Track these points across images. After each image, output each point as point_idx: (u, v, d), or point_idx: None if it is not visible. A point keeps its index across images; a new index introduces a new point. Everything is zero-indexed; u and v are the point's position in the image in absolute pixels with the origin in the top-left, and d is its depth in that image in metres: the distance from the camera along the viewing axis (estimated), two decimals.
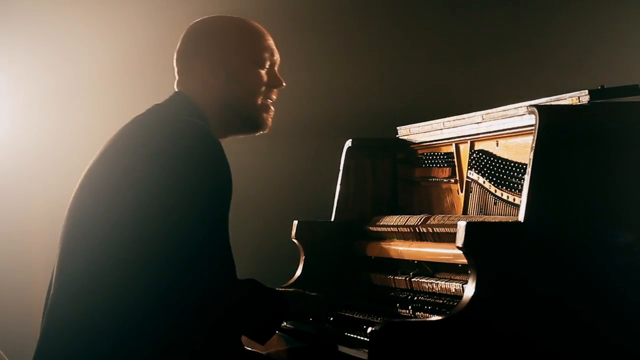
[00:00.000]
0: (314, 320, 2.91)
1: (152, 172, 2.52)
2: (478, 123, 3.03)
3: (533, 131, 2.74)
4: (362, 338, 2.63)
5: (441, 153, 3.25)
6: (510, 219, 2.79)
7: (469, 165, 3.09)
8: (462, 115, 3.12)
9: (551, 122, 2.54)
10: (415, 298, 2.98)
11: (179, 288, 2.47)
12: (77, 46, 4.75)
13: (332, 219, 3.44)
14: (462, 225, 2.50)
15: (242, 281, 2.61)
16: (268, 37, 2.85)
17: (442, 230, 2.92)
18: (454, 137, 3.16)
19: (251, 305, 2.62)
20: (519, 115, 2.84)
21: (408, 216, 3.13)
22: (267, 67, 2.83)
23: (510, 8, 4.84)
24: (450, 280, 2.85)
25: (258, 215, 4.61)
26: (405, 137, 3.43)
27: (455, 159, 3.17)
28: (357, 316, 2.94)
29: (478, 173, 3.03)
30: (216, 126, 2.76)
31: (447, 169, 3.21)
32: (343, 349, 2.68)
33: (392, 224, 3.19)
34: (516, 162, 2.85)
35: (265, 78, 2.82)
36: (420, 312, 2.93)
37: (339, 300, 3.13)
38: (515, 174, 2.85)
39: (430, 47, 4.86)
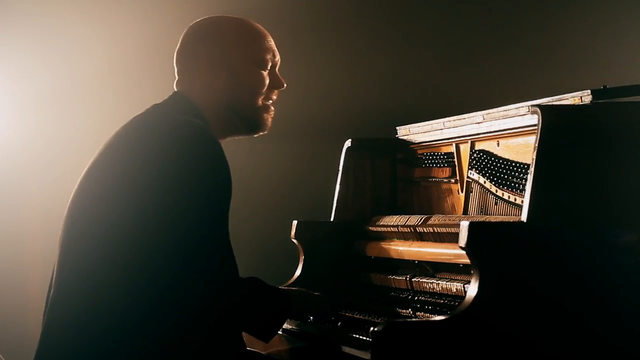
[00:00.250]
0: (316, 320, 2.91)
1: (151, 171, 2.52)
2: (479, 123, 3.03)
3: (535, 131, 2.75)
4: (364, 338, 2.63)
5: (441, 153, 3.25)
6: (512, 219, 2.80)
7: (469, 165, 3.09)
8: (463, 115, 3.12)
9: (554, 122, 2.54)
10: (416, 298, 2.97)
11: (179, 287, 2.47)
12: (73, 47, 4.74)
13: (332, 219, 3.43)
14: (464, 225, 2.50)
15: (245, 279, 2.61)
16: (269, 37, 2.85)
17: (444, 230, 2.91)
18: (455, 137, 3.16)
19: (254, 302, 2.62)
20: (520, 115, 2.84)
21: (408, 216, 3.13)
22: (268, 68, 2.82)
23: (510, 8, 4.84)
24: (451, 280, 2.84)
25: (257, 215, 4.61)
26: (405, 137, 3.43)
27: (456, 159, 3.17)
28: (358, 316, 2.94)
29: (479, 173, 3.03)
30: (215, 127, 2.76)
31: (447, 169, 3.21)
32: (345, 349, 2.67)
33: (392, 224, 3.19)
34: (517, 162, 2.85)
35: (266, 79, 2.81)
36: (421, 312, 2.93)
37: (339, 300, 3.12)
38: (517, 174, 2.85)
39: (430, 47, 4.86)
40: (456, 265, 2.85)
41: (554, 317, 2.50)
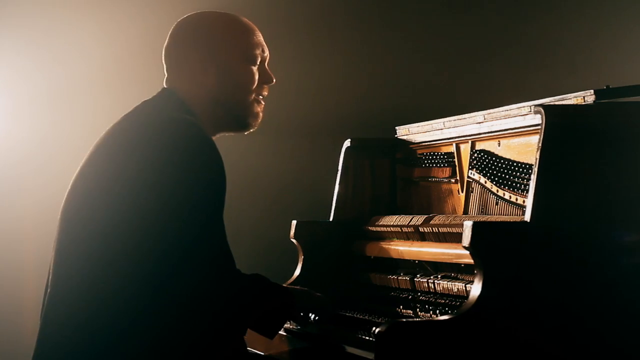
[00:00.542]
0: (317, 320, 2.90)
1: (144, 169, 2.52)
2: (479, 123, 3.03)
3: (537, 131, 2.75)
4: (367, 338, 2.63)
5: (441, 153, 3.24)
6: (512, 218, 2.80)
7: (469, 165, 3.09)
8: (463, 115, 3.12)
9: (558, 122, 2.54)
10: (417, 298, 2.97)
11: (177, 283, 2.47)
12: (65, 47, 4.73)
13: (331, 219, 3.43)
14: (468, 225, 2.50)
15: (246, 275, 2.61)
16: (258, 33, 2.83)
17: (446, 230, 2.91)
18: (455, 137, 3.16)
19: (255, 296, 2.62)
20: (522, 115, 2.84)
21: (410, 216, 3.13)
22: (257, 63, 2.81)
23: (511, 7, 4.84)
24: (453, 280, 2.84)
25: (256, 215, 4.60)
26: (405, 137, 3.43)
27: (456, 159, 3.17)
28: (359, 316, 2.93)
29: (479, 173, 3.03)
30: (205, 123, 2.74)
31: (447, 168, 3.21)
32: (347, 349, 2.68)
33: (392, 223, 3.19)
34: (519, 162, 2.85)
35: (255, 74, 2.80)
36: (422, 312, 2.93)
37: (339, 300, 3.12)
38: (518, 173, 2.85)
39: (429, 47, 4.86)
40: (457, 265, 2.85)
41: (557, 317, 2.50)
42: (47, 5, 4.70)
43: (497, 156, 2.95)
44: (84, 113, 4.69)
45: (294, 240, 3.37)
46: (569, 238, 2.52)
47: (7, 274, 4.64)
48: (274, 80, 2.85)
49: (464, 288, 2.76)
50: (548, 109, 2.55)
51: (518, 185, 2.83)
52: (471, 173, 3.08)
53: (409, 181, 3.43)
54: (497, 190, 2.92)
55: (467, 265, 2.77)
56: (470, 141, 3.10)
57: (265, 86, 2.84)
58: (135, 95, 4.45)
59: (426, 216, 3.07)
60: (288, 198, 4.67)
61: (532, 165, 2.74)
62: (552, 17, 4.81)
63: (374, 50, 4.83)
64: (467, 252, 2.56)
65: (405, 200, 3.44)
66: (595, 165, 2.55)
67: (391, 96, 4.75)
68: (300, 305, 2.80)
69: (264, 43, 2.84)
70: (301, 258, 3.36)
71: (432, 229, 2.98)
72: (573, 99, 2.69)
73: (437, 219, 3.01)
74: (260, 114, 2.84)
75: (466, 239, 2.50)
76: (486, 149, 3.02)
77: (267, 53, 2.85)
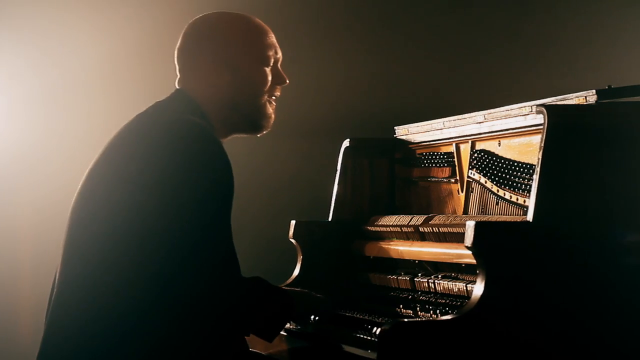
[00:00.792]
0: (317, 320, 2.90)
1: (147, 170, 2.52)
2: (480, 123, 3.03)
3: (538, 131, 2.76)
4: (369, 338, 2.63)
5: (441, 153, 3.24)
6: (513, 218, 2.80)
7: (469, 165, 3.09)
8: (464, 115, 3.12)
9: (560, 122, 2.54)
10: (417, 298, 2.97)
11: (182, 286, 2.47)
12: (64, 46, 4.71)
13: (330, 219, 3.43)
14: (470, 225, 2.50)
15: (247, 278, 2.60)
16: (271, 33, 2.83)
17: (446, 230, 2.91)
18: (455, 137, 3.16)
19: (257, 301, 2.61)
20: (523, 115, 2.84)
21: (410, 216, 3.13)
22: (271, 64, 2.81)
23: (511, 7, 4.84)
24: (453, 280, 2.84)
25: (255, 214, 4.59)
26: (404, 137, 3.43)
27: (456, 159, 3.17)
28: (359, 316, 2.93)
29: (479, 173, 3.03)
30: (218, 125, 2.75)
31: (447, 168, 3.21)
32: (348, 348, 2.67)
33: (392, 223, 3.18)
34: (520, 162, 2.85)
35: (269, 76, 2.80)
36: (422, 312, 2.93)
37: (338, 300, 3.12)
38: (519, 173, 2.85)
39: (429, 47, 4.85)
40: (457, 265, 2.85)
41: (559, 317, 2.50)
42: (43, 6, 4.68)
43: (497, 156, 2.95)
44: (79, 114, 4.67)
45: (292, 240, 3.37)
46: (571, 238, 2.52)
47: (2, 274, 4.62)
48: (287, 81, 2.85)
49: (464, 288, 2.76)
50: (550, 109, 2.55)
51: (519, 185, 2.83)
52: (471, 173, 3.08)
53: (408, 181, 3.43)
54: (498, 190, 2.92)
55: (467, 265, 2.77)
56: (470, 141, 3.10)
57: (278, 87, 2.84)
58: (134, 95, 4.47)
59: (426, 216, 3.07)
60: (287, 198, 4.66)
61: (533, 165, 2.75)
62: (553, 17, 4.80)
63: (373, 50, 4.83)
64: (468, 252, 2.56)
65: (404, 200, 3.44)
66: (597, 165, 2.55)
67: (390, 96, 4.75)
68: (300, 308, 2.79)
69: (277, 44, 2.83)
70: (300, 258, 3.35)
71: (433, 229, 2.98)
72: (575, 98, 2.70)
73: (438, 219, 3.01)
74: (273, 115, 2.83)
75: (469, 238, 2.50)
76: (486, 148, 3.02)
77: (280, 54, 2.85)
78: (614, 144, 2.57)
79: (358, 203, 3.45)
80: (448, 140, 3.20)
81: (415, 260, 3.05)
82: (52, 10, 4.67)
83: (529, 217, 2.51)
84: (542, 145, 2.53)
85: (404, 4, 4.87)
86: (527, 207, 2.75)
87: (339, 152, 3.45)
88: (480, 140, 3.06)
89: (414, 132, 3.38)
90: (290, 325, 2.98)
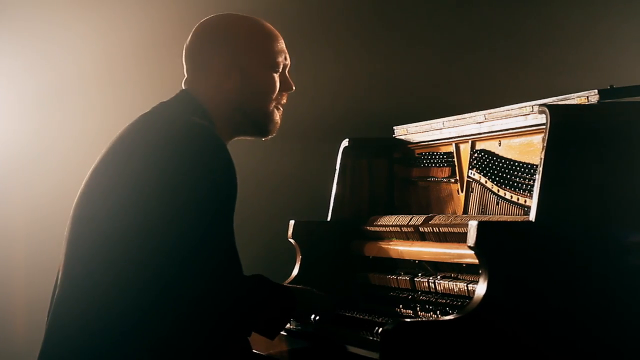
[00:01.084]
0: (318, 320, 2.90)
1: (149, 170, 2.52)
2: (480, 123, 3.03)
3: (539, 131, 2.76)
4: (371, 338, 2.62)
5: (440, 153, 3.24)
6: (514, 218, 2.80)
7: (469, 164, 3.09)
8: (463, 115, 3.12)
9: (563, 122, 2.54)
10: (417, 298, 2.97)
11: (184, 285, 2.47)
12: (61, 45, 4.70)
13: (329, 219, 3.42)
14: (473, 224, 2.49)
15: (249, 276, 2.61)
16: (281, 40, 2.83)
17: (447, 229, 2.91)
18: (455, 137, 3.16)
19: (259, 299, 2.62)
20: (523, 115, 2.84)
21: (409, 216, 3.13)
22: (279, 70, 2.81)
23: (512, 6, 4.84)
24: (454, 280, 2.84)
25: (254, 214, 4.59)
26: (403, 137, 3.43)
27: (455, 159, 3.17)
28: (358, 316, 2.93)
29: (480, 173, 3.03)
30: (223, 128, 2.74)
31: (447, 168, 3.21)
32: (350, 348, 2.67)
33: (392, 223, 3.18)
34: (520, 162, 2.85)
35: (277, 82, 2.80)
36: (422, 312, 2.93)
37: (338, 300, 3.11)
38: (520, 173, 2.85)
39: (428, 46, 4.85)
40: (457, 265, 2.85)
41: (562, 316, 2.50)
42: (40, 6, 4.67)
43: (498, 156, 2.95)
44: (74, 114, 4.66)
45: (291, 240, 3.37)
46: (573, 238, 2.52)
47: None
48: (294, 88, 2.84)
49: (465, 288, 2.77)
50: (553, 109, 2.55)
51: (520, 185, 2.83)
52: (471, 173, 3.08)
53: (407, 181, 3.42)
54: (498, 190, 2.92)
55: (468, 265, 2.77)
56: (470, 141, 3.10)
57: (285, 94, 2.84)
58: (129, 95, 4.46)
59: (426, 216, 3.06)
60: (285, 198, 4.66)
61: (534, 165, 2.75)
62: (554, 17, 4.81)
63: (373, 50, 4.83)
64: (469, 252, 2.56)
65: (403, 200, 3.44)
66: (600, 165, 2.56)
67: (389, 96, 4.75)
68: (302, 306, 2.79)
69: (286, 50, 2.83)
70: (299, 258, 3.35)
71: (433, 229, 2.98)
72: (576, 98, 2.70)
73: (438, 219, 3.00)
74: (279, 122, 2.83)
75: (471, 238, 2.49)
76: (487, 148, 3.02)
77: (288, 61, 2.84)
78: (616, 144, 2.57)
79: (357, 203, 3.45)
80: (448, 140, 3.20)
81: (415, 260, 3.05)
82: (48, 10, 4.66)
83: (532, 216, 2.51)
84: (545, 145, 2.53)
85: (403, 3, 4.87)
86: (528, 207, 2.76)
87: (338, 152, 3.45)
88: (481, 140, 3.06)
89: (413, 132, 3.38)
90: (291, 325, 2.98)
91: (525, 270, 2.49)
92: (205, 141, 2.55)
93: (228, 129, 2.76)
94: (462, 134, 3.12)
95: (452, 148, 3.18)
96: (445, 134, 3.20)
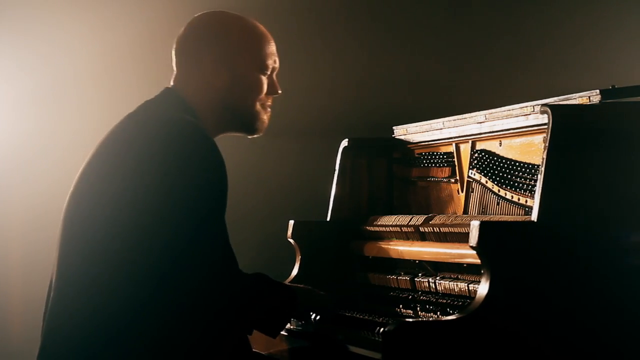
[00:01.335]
0: (318, 320, 2.90)
1: (146, 169, 2.51)
2: (480, 123, 3.03)
3: (539, 131, 2.76)
4: (371, 338, 2.62)
5: (440, 153, 3.24)
6: (515, 218, 2.80)
7: (470, 164, 3.09)
8: (464, 115, 3.12)
9: (565, 122, 2.54)
10: (417, 298, 2.97)
11: (179, 283, 2.47)
12: (55, 45, 4.69)
13: (328, 219, 3.42)
14: (475, 224, 2.49)
15: (248, 274, 2.61)
16: (272, 42, 2.83)
17: (447, 229, 2.91)
18: (455, 137, 3.15)
19: (258, 295, 2.62)
20: (524, 115, 2.84)
21: (409, 216, 3.12)
22: (268, 73, 2.81)
23: (513, 6, 4.84)
24: (454, 280, 2.84)
25: (254, 215, 4.59)
26: (402, 137, 3.43)
27: (456, 159, 3.17)
28: (358, 316, 2.92)
29: (480, 173, 3.03)
30: (210, 124, 2.74)
31: (447, 168, 3.20)
32: (351, 348, 2.67)
33: (392, 223, 3.18)
34: (521, 162, 2.85)
35: (265, 84, 2.80)
36: (422, 312, 2.92)
37: (338, 300, 3.11)
38: (520, 173, 2.85)
39: (427, 46, 4.85)
40: (458, 265, 2.84)
41: (564, 316, 2.50)
42: (36, 7, 4.66)
43: (498, 156, 2.95)
44: (69, 113, 4.66)
45: (291, 240, 3.36)
46: (575, 237, 2.52)
47: None
48: (280, 92, 2.84)
49: (466, 288, 2.76)
50: (555, 109, 2.55)
51: (521, 185, 2.83)
52: (471, 173, 3.08)
53: (407, 181, 3.42)
54: (499, 190, 2.92)
55: (469, 265, 2.77)
56: (470, 141, 3.10)
57: (270, 97, 2.84)
58: (124, 94, 4.45)
59: (426, 216, 3.06)
60: (285, 198, 4.65)
61: (536, 165, 2.75)
62: (554, 16, 4.81)
63: (372, 49, 4.83)
64: (470, 252, 2.57)
65: (403, 200, 3.44)
66: (601, 165, 2.56)
67: (389, 96, 4.75)
68: (303, 304, 2.79)
69: (276, 53, 2.83)
70: (298, 258, 3.35)
71: (433, 229, 2.98)
72: (578, 98, 2.70)
73: (438, 219, 3.00)
74: (266, 122, 2.83)
75: (473, 238, 2.49)
76: (487, 148, 3.02)
77: (277, 64, 2.84)
78: (618, 144, 2.57)
79: (356, 203, 3.45)
80: (448, 140, 3.20)
81: (415, 260, 3.04)
82: (45, 10, 4.65)
83: (534, 216, 2.51)
84: (547, 145, 2.53)
85: (403, 3, 4.87)
86: (528, 207, 2.76)
87: (338, 152, 3.45)
88: (481, 140, 3.05)
89: (412, 132, 3.38)
90: (291, 324, 2.98)
91: (527, 269, 2.49)
92: (195, 138, 2.55)
93: (215, 126, 2.76)
94: (463, 134, 3.12)
95: (452, 148, 3.18)
96: (446, 134, 3.20)
